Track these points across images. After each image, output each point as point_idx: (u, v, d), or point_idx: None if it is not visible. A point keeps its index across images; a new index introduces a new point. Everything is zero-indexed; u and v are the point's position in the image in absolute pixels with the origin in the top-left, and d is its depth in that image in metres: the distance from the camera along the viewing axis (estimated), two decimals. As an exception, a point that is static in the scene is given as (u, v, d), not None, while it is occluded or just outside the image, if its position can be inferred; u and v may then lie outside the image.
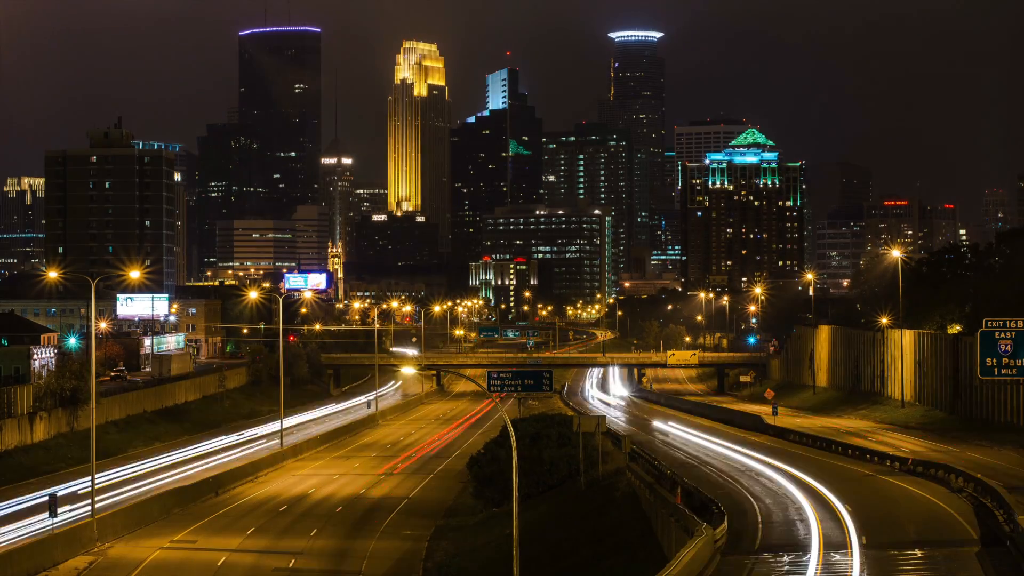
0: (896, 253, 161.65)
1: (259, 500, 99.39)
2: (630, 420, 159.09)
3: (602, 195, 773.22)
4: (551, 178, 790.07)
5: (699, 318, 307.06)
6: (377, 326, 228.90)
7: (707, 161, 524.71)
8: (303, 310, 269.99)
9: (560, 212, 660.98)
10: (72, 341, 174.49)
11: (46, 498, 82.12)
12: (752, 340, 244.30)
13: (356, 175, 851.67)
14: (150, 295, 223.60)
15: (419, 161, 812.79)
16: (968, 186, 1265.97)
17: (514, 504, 57.41)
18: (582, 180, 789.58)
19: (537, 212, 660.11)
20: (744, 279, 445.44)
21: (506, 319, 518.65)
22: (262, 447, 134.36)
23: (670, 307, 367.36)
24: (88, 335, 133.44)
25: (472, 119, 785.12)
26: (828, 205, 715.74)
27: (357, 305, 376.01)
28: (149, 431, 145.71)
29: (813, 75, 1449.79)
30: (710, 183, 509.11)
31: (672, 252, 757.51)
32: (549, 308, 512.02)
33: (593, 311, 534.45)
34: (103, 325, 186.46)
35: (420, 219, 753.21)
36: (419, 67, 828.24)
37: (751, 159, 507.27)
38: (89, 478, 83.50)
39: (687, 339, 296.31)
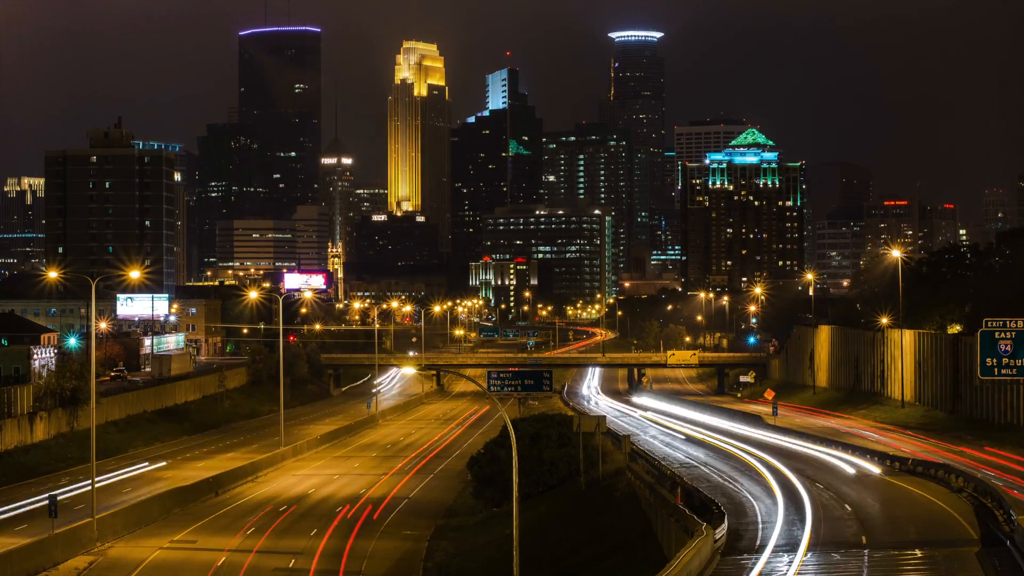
0: (896, 253, 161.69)
1: (259, 500, 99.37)
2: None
3: (602, 195, 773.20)
4: (551, 178, 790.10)
5: (699, 318, 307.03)
6: (377, 326, 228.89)
7: (707, 161, 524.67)
8: (303, 310, 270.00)
9: (560, 212, 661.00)
10: (72, 341, 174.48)
11: (46, 500, 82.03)
12: (752, 340, 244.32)
13: (356, 175, 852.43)
14: (150, 295, 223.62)
15: (419, 161, 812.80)
16: (968, 186, 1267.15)
17: (514, 504, 57.40)
18: (582, 180, 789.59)
19: (537, 212, 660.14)
20: (744, 279, 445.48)
21: (506, 319, 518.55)
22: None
23: (670, 307, 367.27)
24: (88, 335, 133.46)
25: (472, 119, 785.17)
26: (828, 205, 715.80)
27: (357, 305, 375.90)
28: (149, 431, 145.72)
29: (813, 75, 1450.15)
30: (710, 183, 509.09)
31: (672, 252, 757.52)
32: (549, 308, 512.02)
33: (593, 311, 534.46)
34: (103, 325, 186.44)
35: (420, 219, 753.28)
36: (419, 67, 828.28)
37: (751, 159, 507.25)
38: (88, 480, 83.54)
39: (687, 339, 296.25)
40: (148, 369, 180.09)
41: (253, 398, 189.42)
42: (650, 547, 62.48)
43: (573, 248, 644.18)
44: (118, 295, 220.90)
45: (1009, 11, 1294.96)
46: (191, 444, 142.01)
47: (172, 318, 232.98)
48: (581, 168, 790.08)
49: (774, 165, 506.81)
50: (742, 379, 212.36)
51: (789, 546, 59.58)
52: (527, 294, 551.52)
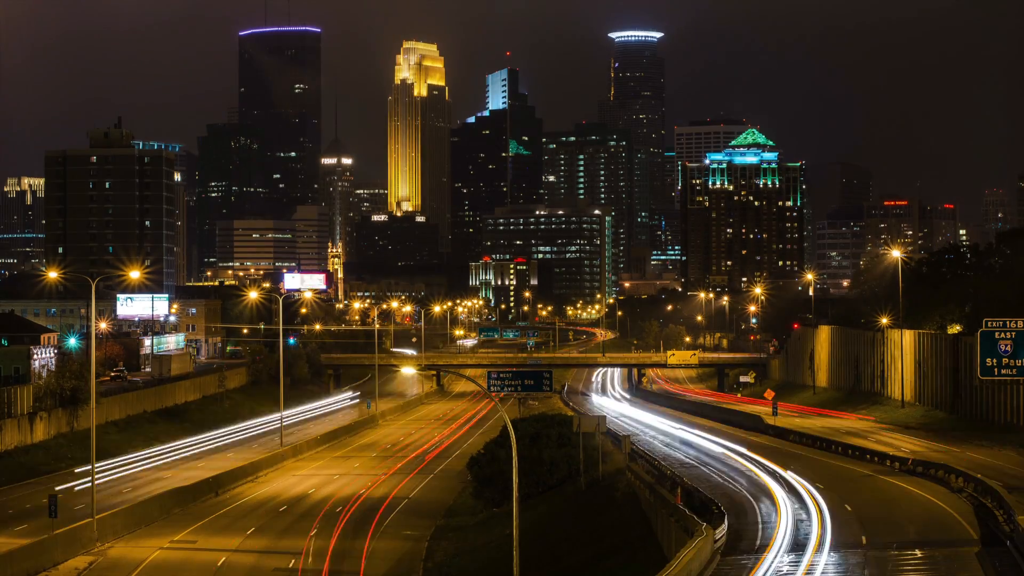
0: (896, 253, 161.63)
1: (259, 500, 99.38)
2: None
3: (602, 195, 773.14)
4: (551, 178, 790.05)
5: (699, 318, 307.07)
6: (377, 326, 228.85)
7: (707, 161, 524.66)
8: (303, 310, 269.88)
9: (560, 212, 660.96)
10: (72, 341, 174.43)
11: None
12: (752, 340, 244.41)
13: (356, 175, 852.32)
14: (150, 295, 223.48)
15: (419, 161, 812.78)
16: (968, 186, 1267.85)
17: (514, 504, 57.41)
18: (582, 180, 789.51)
19: (537, 212, 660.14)
20: (744, 279, 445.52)
21: (506, 319, 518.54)
22: None
23: (670, 307, 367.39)
24: (88, 335, 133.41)
25: (472, 119, 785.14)
26: (828, 205, 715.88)
27: (357, 305, 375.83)
28: (149, 431, 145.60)
29: (813, 75, 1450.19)
30: (710, 183, 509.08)
31: (672, 252, 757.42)
32: (549, 308, 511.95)
33: (593, 311, 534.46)
34: (103, 325, 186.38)
35: (420, 219, 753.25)
36: (419, 67, 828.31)
37: (751, 159, 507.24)
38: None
39: (687, 339, 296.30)
40: (148, 369, 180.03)
41: (253, 398, 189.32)
42: (650, 547, 62.50)
43: (573, 248, 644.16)
44: (118, 295, 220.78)
45: (1009, 11, 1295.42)
46: (191, 444, 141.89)
47: (172, 318, 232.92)
48: (581, 168, 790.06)
49: (774, 165, 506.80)
50: (742, 379, 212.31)
51: (789, 546, 59.60)
52: (527, 294, 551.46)
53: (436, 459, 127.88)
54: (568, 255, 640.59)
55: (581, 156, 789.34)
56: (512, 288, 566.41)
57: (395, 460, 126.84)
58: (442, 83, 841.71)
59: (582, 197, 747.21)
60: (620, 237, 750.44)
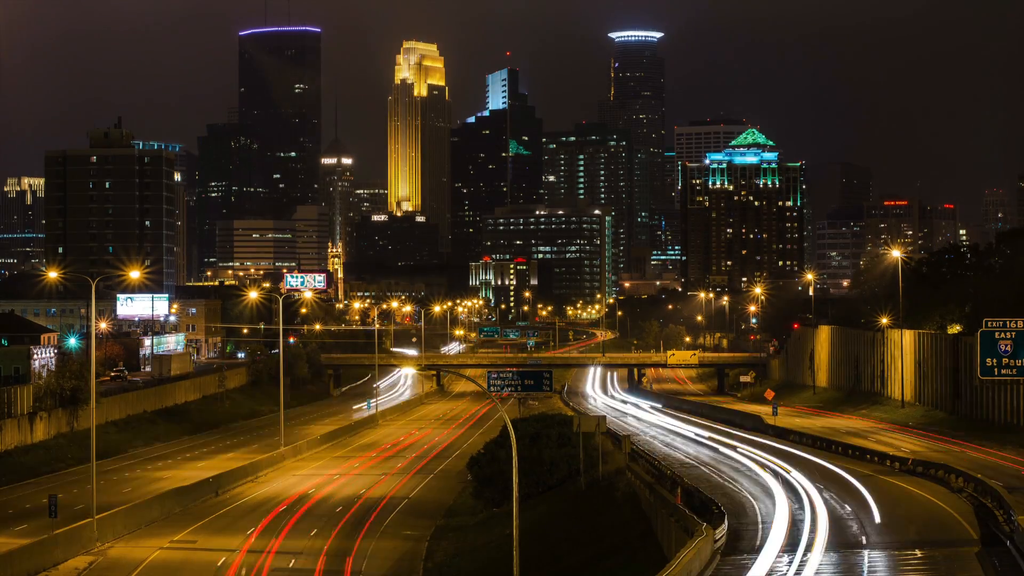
0: (896, 253, 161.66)
1: (259, 500, 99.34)
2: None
3: (602, 195, 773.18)
4: (551, 178, 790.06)
5: (699, 318, 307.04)
6: (377, 326, 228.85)
7: (707, 161, 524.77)
8: (303, 310, 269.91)
9: (560, 212, 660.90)
10: (72, 341, 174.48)
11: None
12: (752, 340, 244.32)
13: (356, 175, 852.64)
14: (150, 295, 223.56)
15: (419, 161, 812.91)
16: (968, 186, 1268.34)
17: (514, 504, 57.39)
18: (582, 180, 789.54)
19: (537, 212, 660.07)
20: (744, 279, 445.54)
21: (506, 319, 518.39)
22: None
23: (670, 307, 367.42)
24: (88, 335, 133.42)
25: (472, 119, 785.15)
26: (828, 205, 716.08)
27: (357, 305, 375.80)
28: (149, 431, 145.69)
29: (813, 75, 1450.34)
30: (710, 183, 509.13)
31: (672, 252, 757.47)
32: (549, 308, 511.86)
33: (593, 311, 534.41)
34: (103, 325, 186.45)
35: (420, 219, 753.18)
36: (419, 67, 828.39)
37: (751, 159, 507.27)
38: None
39: (687, 339, 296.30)
40: (148, 369, 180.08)
41: (253, 398, 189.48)
42: (650, 547, 62.48)
43: (573, 248, 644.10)
44: (118, 295, 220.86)
45: (1009, 11, 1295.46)
46: (191, 444, 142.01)
47: (172, 318, 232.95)
48: (581, 168, 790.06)
49: (774, 165, 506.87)
50: (742, 379, 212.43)
51: (789, 546, 59.60)
52: (527, 294, 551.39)
53: (436, 459, 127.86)
54: (568, 255, 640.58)
55: (581, 156, 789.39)
56: (512, 288, 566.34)
57: (395, 460, 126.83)
58: (442, 83, 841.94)
59: (582, 197, 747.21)
60: (620, 237, 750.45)
